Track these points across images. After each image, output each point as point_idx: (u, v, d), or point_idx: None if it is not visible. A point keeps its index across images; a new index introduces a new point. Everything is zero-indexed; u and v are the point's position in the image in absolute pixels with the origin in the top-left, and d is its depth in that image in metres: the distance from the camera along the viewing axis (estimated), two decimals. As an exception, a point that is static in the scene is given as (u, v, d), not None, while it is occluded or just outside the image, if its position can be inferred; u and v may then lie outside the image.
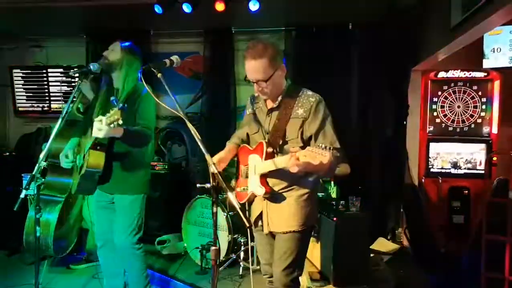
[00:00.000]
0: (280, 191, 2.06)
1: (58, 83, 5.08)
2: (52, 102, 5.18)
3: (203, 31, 4.86)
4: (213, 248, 1.66)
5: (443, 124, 4.41)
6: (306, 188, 2.06)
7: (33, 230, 3.43)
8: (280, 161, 1.89)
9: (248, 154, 2.16)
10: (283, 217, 2.06)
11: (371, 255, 3.68)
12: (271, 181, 2.05)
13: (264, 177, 2.03)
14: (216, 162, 2.06)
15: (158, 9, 3.78)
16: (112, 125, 2.14)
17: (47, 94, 5.17)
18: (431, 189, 4.41)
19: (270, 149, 2.01)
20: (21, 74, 5.17)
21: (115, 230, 2.67)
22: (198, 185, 3.77)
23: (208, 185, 3.61)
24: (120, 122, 2.13)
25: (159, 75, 1.95)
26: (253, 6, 3.68)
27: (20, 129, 5.26)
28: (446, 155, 4.39)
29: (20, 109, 5.25)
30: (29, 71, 5.16)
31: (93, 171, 2.44)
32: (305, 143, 1.99)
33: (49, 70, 5.11)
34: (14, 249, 4.06)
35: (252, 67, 1.94)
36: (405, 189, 4.37)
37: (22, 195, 2.10)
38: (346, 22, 4.54)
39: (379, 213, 4.36)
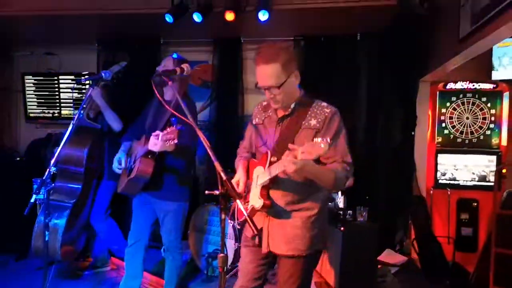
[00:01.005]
0: (286, 208, 1.90)
1: (69, 90, 5.15)
2: (62, 108, 5.25)
3: (213, 41, 4.91)
4: (220, 255, 1.62)
5: (452, 136, 4.39)
6: (315, 208, 1.91)
7: (41, 235, 3.45)
8: (277, 165, 1.75)
9: (254, 167, 2.01)
10: (287, 238, 1.90)
11: (379, 266, 3.65)
12: (275, 194, 1.89)
13: (265, 188, 1.87)
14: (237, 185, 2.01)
15: (169, 18, 3.83)
16: (167, 143, 2.29)
17: (58, 101, 5.24)
18: (440, 200, 4.37)
19: (274, 158, 1.83)
20: (33, 81, 5.25)
21: (164, 232, 2.88)
22: (206, 192, 3.76)
23: (217, 192, 3.61)
24: (176, 141, 2.29)
25: (169, 83, 1.98)
26: (263, 16, 3.71)
27: (30, 134, 5.31)
28: (454, 167, 4.37)
29: (31, 114, 5.32)
30: (41, 78, 5.24)
31: (141, 177, 2.62)
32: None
33: (61, 77, 5.19)
34: (22, 254, 4.09)
35: (264, 72, 1.80)
36: (412, 200, 4.34)
37: (32, 200, 2.13)
38: (354, 32, 4.56)
39: (387, 224, 4.32)
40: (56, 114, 5.27)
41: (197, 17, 3.80)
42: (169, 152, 2.50)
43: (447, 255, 3.95)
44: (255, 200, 1.89)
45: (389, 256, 4.15)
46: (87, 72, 5.02)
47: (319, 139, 1.51)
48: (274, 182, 1.87)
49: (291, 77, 1.85)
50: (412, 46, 4.10)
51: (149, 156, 2.58)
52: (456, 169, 4.35)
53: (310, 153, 1.52)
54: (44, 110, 5.29)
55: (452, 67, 3.73)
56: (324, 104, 1.94)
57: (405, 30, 4.09)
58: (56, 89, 5.22)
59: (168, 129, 2.29)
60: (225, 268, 1.65)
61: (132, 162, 2.77)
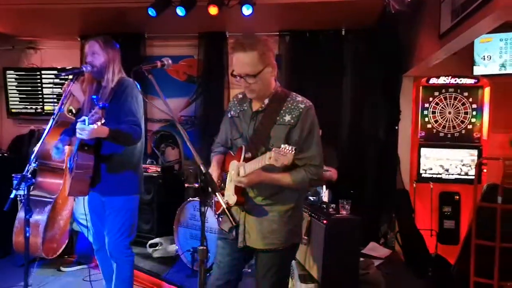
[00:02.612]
0: (262, 204, 1.91)
1: (52, 85, 5.08)
2: (45, 104, 5.18)
3: (197, 35, 4.88)
4: (200, 247, 1.63)
5: (434, 130, 4.46)
6: (290, 203, 1.93)
7: (21, 231, 3.41)
8: (248, 167, 1.79)
9: (230, 160, 2.00)
10: (263, 232, 1.91)
11: (362, 259, 3.68)
12: (250, 190, 1.91)
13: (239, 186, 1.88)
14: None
15: (152, 12, 3.79)
16: (95, 125, 2.10)
17: (40, 96, 5.16)
18: (423, 194, 4.44)
19: (248, 155, 1.85)
20: (14, 76, 5.16)
21: (106, 232, 2.58)
22: (186, 185, 3.76)
23: (196, 185, 3.60)
24: (103, 121, 2.11)
25: (149, 76, 1.96)
26: (246, 11, 3.70)
27: (12, 130, 5.24)
28: (437, 161, 4.43)
29: (13, 110, 5.24)
30: (23, 73, 5.15)
31: (83, 173, 2.38)
32: None
33: (43, 72, 5.11)
34: (5, 251, 4.04)
35: (241, 60, 1.81)
36: (396, 193, 4.39)
37: (12, 195, 2.10)
38: (339, 27, 4.58)
39: (372, 218, 4.37)
40: (39, 110, 5.19)
41: (180, 11, 3.77)
42: (105, 139, 2.27)
43: (430, 247, 4.02)
44: (229, 196, 1.90)
45: (373, 249, 4.21)
46: (70, 67, 4.96)
47: (287, 147, 1.56)
48: None
49: (267, 68, 1.85)
50: (395, 41, 4.14)
51: (85, 148, 2.35)
52: (439, 163, 4.42)
53: (276, 160, 1.57)
54: (26, 106, 5.21)
55: (434, 62, 3.77)
56: (299, 98, 1.93)
57: (389, 26, 4.13)
58: (39, 84, 5.14)
59: (92, 111, 2.12)
60: (206, 260, 1.65)
61: (73, 160, 2.47)
